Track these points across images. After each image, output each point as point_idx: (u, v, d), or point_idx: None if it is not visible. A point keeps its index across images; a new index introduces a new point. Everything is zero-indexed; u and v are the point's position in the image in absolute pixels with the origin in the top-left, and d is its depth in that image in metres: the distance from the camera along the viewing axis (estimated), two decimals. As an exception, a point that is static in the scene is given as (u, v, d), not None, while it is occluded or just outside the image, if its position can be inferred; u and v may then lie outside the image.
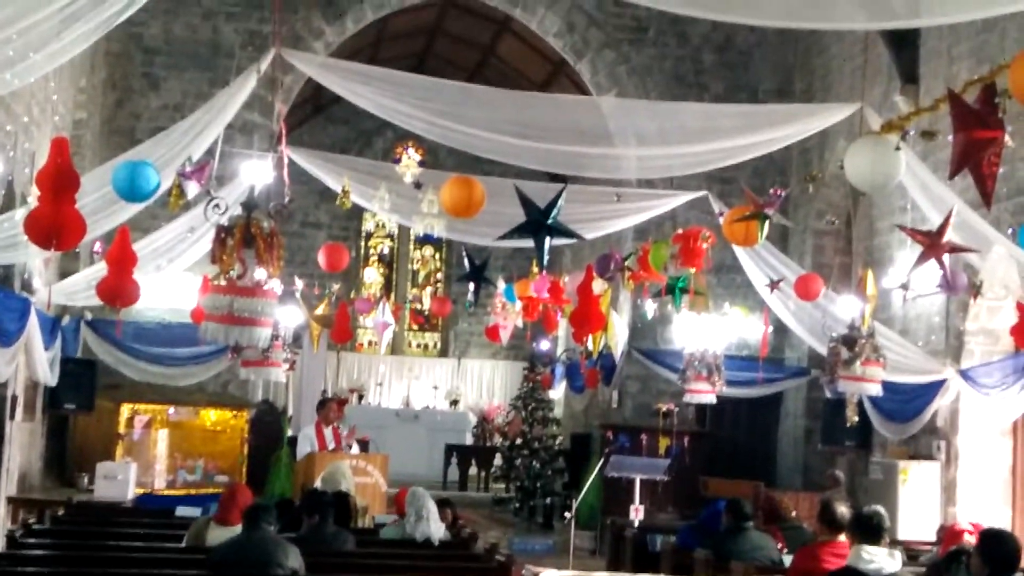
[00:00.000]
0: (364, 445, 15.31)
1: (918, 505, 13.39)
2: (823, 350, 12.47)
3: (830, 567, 7.90)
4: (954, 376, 13.15)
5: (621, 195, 14.24)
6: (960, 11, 9.18)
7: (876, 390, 11.61)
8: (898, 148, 6.96)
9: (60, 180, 7.86)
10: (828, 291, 13.15)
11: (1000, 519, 12.46)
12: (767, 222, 9.82)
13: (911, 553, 10.16)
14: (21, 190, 12.07)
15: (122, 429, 16.54)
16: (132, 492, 14.13)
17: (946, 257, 9.44)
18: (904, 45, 14.57)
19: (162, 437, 16.69)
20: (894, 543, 8.97)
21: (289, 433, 17.28)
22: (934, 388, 13.28)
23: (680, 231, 12.55)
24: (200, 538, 8.69)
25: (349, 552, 8.88)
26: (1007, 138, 5.96)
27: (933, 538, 10.87)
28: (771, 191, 10.15)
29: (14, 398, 13.19)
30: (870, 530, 7.54)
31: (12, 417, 13.12)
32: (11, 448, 13.19)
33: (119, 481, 13.91)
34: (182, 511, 11.18)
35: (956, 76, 13.07)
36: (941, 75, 13.83)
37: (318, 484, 11.15)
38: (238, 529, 8.15)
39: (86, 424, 16.97)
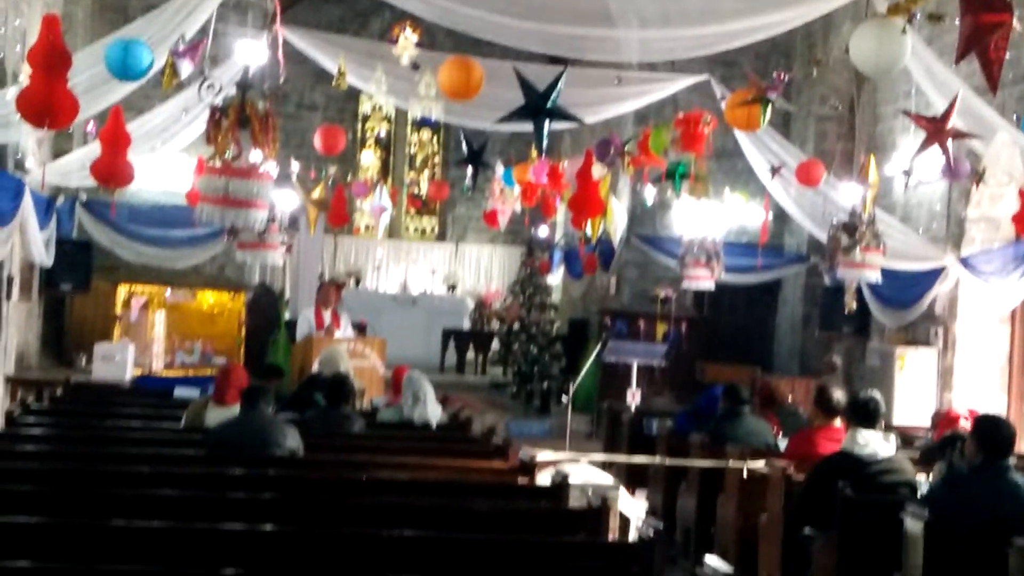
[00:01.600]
0: (362, 329, 15.32)
1: (914, 391, 13.45)
2: (823, 237, 12.41)
3: (825, 451, 7.96)
4: (954, 263, 13.11)
5: (622, 78, 14.03)
6: None
7: (875, 277, 11.58)
8: (904, 31, 6.83)
9: (52, 58, 7.71)
10: (829, 177, 13.04)
11: (996, 406, 12.49)
12: (769, 106, 9.70)
13: (906, 438, 10.22)
14: (12, 68, 11.89)
15: (119, 310, 16.56)
16: (130, 373, 14.17)
17: (949, 143, 9.33)
18: (913, -76, 14.23)
19: (159, 319, 16.71)
20: (889, 428, 9.01)
21: (286, 316, 17.31)
22: (934, 275, 13.25)
23: (681, 115, 12.39)
24: (198, 419, 8.72)
25: (349, 434, 8.92)
26: (1015, 22, 5.84)
27: (928, 423, 10.92)
28: (774, 75, 10.00)
29: (10, 278, 13.16)
30: (866, 415, 7.58)
31: (8, 297, 13.12)
32: (8, 328, 13.21)
33: (117, 362, 13.93)
34: (180, 392, 11.23)
35: (965, -42, 12.79)
36: (950, -43, 13.55)
37: (315, 367, 11.17)
38: (236, 410, 8.17)
39: (83, 305, 17.00)
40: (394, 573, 4.81)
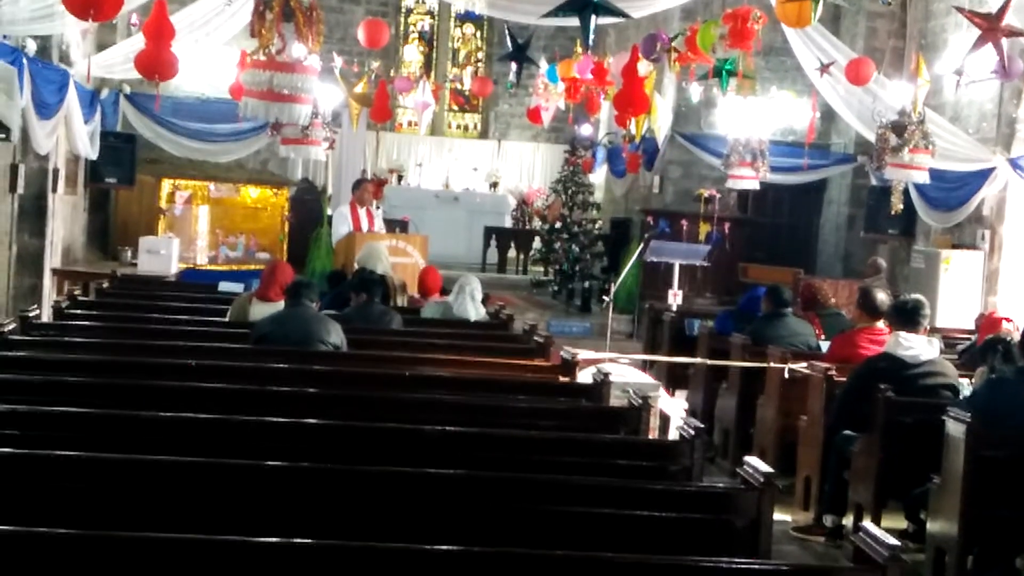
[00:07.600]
0: (404, 225, 15.35)
1: (959, 294, 13.35)
2: (871, 136, 12.26)
3: (867, 353, 7.93)
4: (1003, 164, 12.93)
5: (670, -28, 13.79)
6: None
7: (923, 178, 11.45)
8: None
9: (95, -51, 7.66)
10: (879, 76, 12.82)
11: (1040, 310, 12.42)
12: (821, 2, 9.51)
13: (949, 341, 10.18)
14: (55, -41, 11.83)
15: (163, 204, 16.67)
16: (175, 267, 14.29)
17: (1004, 42, 9.14)
18: None
19: (203, 213, 16.81)
20: (933, 331, 8.97)
21: (329, 212, 17.36)
22: (982, 176, 13.08)
23: (730, 11, 12.17)
24: (243, 313, 8.80)
25: (389, 330, 8.97)
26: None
27: (972, 327, 10.86)
28: (826, -31, 9.80)
29: (55, 171, 13.23)
30: (909, 317, 7.53)
31: (55, 190, 13.19)
32: (54, 221, 13.30)
33: (162, 256, 14.05)
34: (224, 286, 11.32)
35: None
36: None
37: (356, 264, 11.19)
38: (280, 305, 8.24)
39: (128, 199, 17.13)
40: (435, 467, 4.86)
